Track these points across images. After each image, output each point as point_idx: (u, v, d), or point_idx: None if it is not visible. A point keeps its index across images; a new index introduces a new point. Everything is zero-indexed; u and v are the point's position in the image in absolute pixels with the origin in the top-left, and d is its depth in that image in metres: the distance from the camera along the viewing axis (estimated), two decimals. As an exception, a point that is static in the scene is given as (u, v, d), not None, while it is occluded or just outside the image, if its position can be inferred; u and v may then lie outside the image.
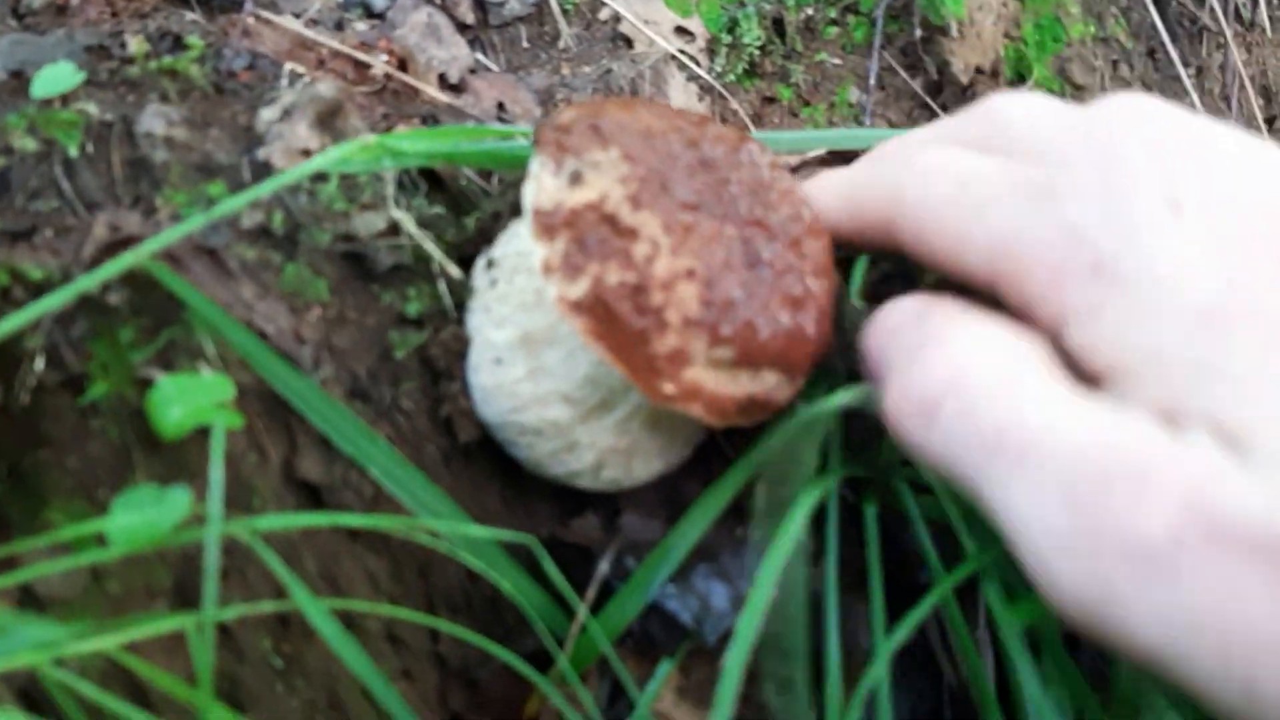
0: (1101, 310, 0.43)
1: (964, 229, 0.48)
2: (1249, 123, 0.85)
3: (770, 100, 0.79)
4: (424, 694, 0.50)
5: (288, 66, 0.63)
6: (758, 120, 0.78)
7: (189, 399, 0.41)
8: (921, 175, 0.50)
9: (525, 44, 0.77)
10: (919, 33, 0.79)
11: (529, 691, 0.50)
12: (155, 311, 0.46)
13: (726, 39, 0.78)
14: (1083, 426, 0.40)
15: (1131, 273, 0.43)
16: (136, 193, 0.52)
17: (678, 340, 0.45)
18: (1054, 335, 0.45)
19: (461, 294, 0.53)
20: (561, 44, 0.78)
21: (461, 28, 0.77)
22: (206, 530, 0.36)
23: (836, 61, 0.80)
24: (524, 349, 0.50)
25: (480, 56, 0.74)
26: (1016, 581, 0.50)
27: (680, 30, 0.79)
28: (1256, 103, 0.85)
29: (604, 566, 0.50)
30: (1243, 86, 0.84)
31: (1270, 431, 0.37)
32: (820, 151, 0.75)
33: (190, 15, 0.67)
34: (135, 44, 0.59)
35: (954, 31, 0.77)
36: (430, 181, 0.57)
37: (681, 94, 0.75)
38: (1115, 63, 0.81)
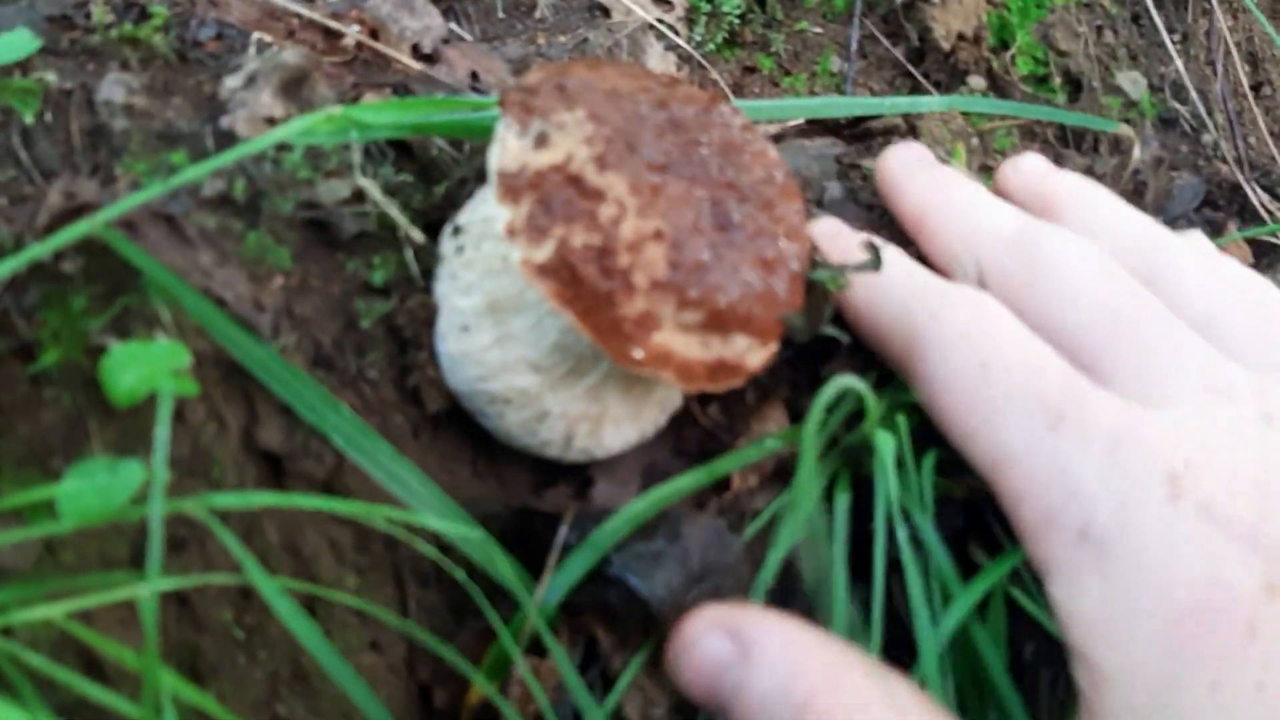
0: (1081, 579, 0.43)
1: (973, 423, 0.48)
2: (1235, 90, 0.83)
3: (750, 70, 0.78)
4: (392, 665, 0.49)
5: (255, 36, 0.62)
6: (738, 90, 0.77)
7: (142, 365, 0.40)
8: (945, 333, 0.50)
9: (500, 13, 0.76)
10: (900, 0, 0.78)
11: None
12: (110, 279, 0.45)
13: (705, 7, 0.77)
14: None
15: (1118, 553, 0.43)
16: (95, 161, 0.51)
17: (645, 303, 0.44)
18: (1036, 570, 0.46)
19: (428, 261, 0.52)
20: (538, 13, 0.76)
21: (435, -3, 0.76)
22: (150, 505, 0.35)
23: (817, 30, 0.79)
24: (491, 316, 0.49)
25: (454, 26, 0.73)
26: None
27: (658, -1, 0.78)
28: (1242, 69, 0.84)
29: (563, 532, 0.49)
30: (1228, 53, 0.83)
31: None
32: (800, 121, 0.74)
33: (156, -16, 0.66)
34: (97, 12, 0.58)
35: (936, -2, 0.76)
36: (399, 150, 0.56)
37: (660, 64, 0.74)
38: (1099, 28, 0.80)
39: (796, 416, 0.58)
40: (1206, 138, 0.80)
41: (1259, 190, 0.78)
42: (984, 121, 0.74)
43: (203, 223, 0.48)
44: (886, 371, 0.56)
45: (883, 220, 0.63)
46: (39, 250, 0.42)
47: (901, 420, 0.54)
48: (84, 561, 0.42)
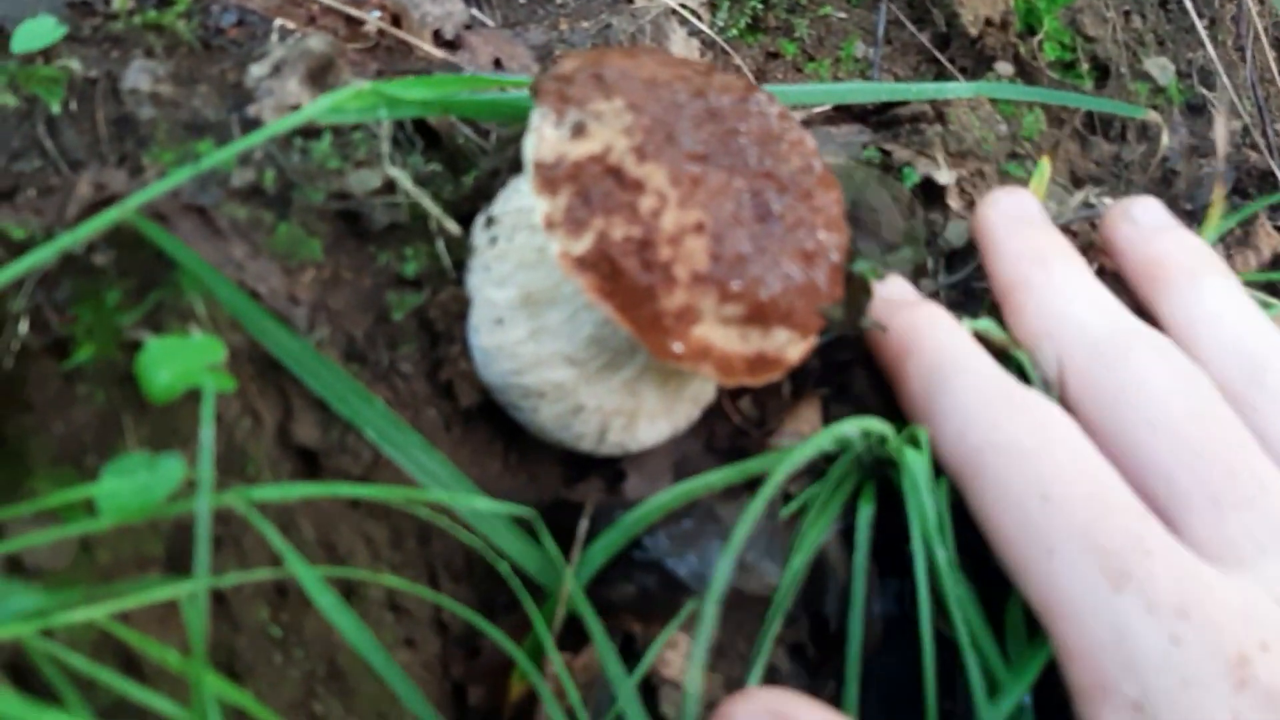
0: None
1: (1028, 557, 0.44)
2: (1263, 75, 0.83)
3: (774, 56, 0.77)
4: (426, 662, 0.48)
5: (277, 23, 0.61)
6: (761, 76, 0.76)
7: (178, 361, 0.40)
8: (1006, 450, 0.46)
9: (522, -1, 0.75)
10: (926, -16, 0.76)
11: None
12: (143, 273, 0.44)
13: (729, -8, 0.76)
14: None
15: None
16: (122, 151, 0.50)
17: (686, 297, 0.44)
18: None
19: (460, 253, 0.51)
20: (559, -1, 0.75)
21: (456, -18, 0.74)
22: (197, 500, 0.35)
23: (842, 15, 0.78)
24: (526, 309, 0.49)
25: (475, 12, 0.72)
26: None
27: (681, -16, 0.77)
28: (1270, 54, 0.83)
29: (584, 524, 0.48)
30: (1257, 38, 0.82)
31: None
32: (826, 107, 0.73)
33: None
34: (119, -1, 0.57)
35: (962, -17, 0.75)
36: (426, 138, 0.55)
37: (683, 49, 0.73)
38: (1127, 14, 0.79)
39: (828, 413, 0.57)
40: (1235, 124, 0.79)
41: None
42: (1012, 108, 0.73)
43: (234, 214, 0.48)
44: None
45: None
46: (69, 239, 0.42)
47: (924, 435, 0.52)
48: (120, 561, 0.41)
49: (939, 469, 0.50)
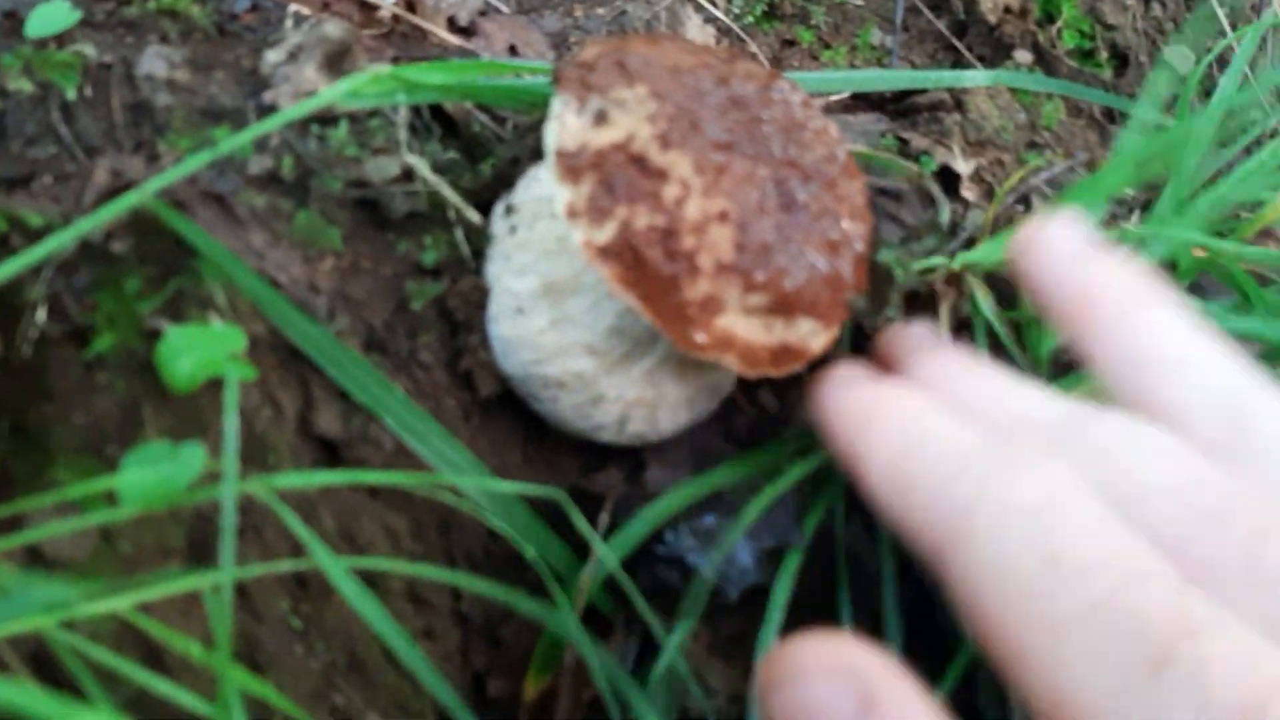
0: None
1: (1030, 643, 0.34)
2: (1284, 64, 0.82)
3: (790, 43, 0.76)
4: (446, 653, 0.48)
5: (292, 8, 0.61)
6: (777, 64, 0.76)
7: (199, 350, 0.39)
8: (999, 507, 0.36)
9: (536, -15, 0.74)
10: (944, -29, 0.76)
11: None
12: (162, 260, 0.44)
13: (745, -21, 0.76)
14: None
15: None
16: (138, 137, 0.50)
17: (710, 286, 0.43)
18: None
19: (480, 242, 0.51)
20: (574, -15, 0.75)
21: (471, -32, 0.74)
22: (222, 488, 0.34)
23: (859, 2, 0.77)
24: (546, 298, 0.48)
25: (490, -2, 0.72)
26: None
27: (697, -30, 0.76)
28: (1292, 44, 0.82)
29: (604, 518, 0.48)
30: (1277, 27, 0.82)
31: None
32: (844, 95, 0.72)
33: (189, -46, 0.65)
34: (133, -17, 0.57)
35: (980, -30, 0.74)
36: (443, 126, 0.55)
37: (698, 36, 0.73)
38: (1147, 1, 0.79)
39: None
40: (1256, 114, 0.78)
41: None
42: (1030, 97, 0.73)
43: (252, 202, 0.47)
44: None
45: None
46: (87, 224, 0.41)
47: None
48: (141, 551, 0.41)
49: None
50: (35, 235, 0.42)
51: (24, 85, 0.49)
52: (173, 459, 0.36)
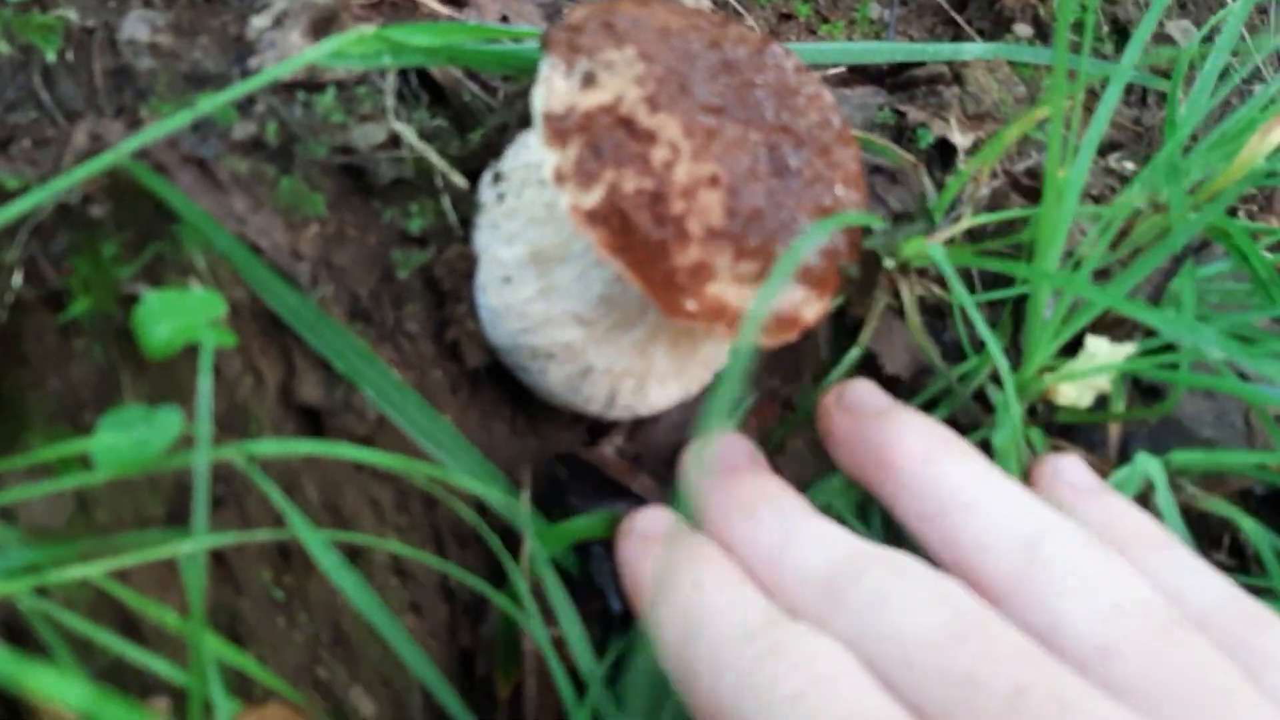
0: None
1: None
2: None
3: (787, 17, 0.75)
4: (433, 629, 0.47)
5: (280, -24, 0.60)
6: (773, 37, 0.75)
7: (177, 315, 0.38)
8: (767, 698, 0.38)
9: (530, -43, 0.73)
10: (944, -56, 0.75)
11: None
12: (141, 226, 0.43)
13: (741, -49, 0.75)
14: None
15: None
16: (120, 103, 0.49)
17: (700, 253, 0.42)
18: None
19: (467, 210, 0.50)
20: (568, -43, 0.74)
21: (463, -61, 0.73)
22: (196, 453, 0.33)
23: (857, -25, 0.76)
24: (534, 266, 0.47)
25: (483, -31, 0.70)
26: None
27: (692, -57, 0.75)
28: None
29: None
30: (1281, 1, 0.80)
31: None
32: (841, 69, 0.71)
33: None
34: (117, -51, 0.56)
35: (981, -58, 0.73)
36: (432, 94, 0.54)
37: (695, 7, 0.72)
38: (1150, -25, 0.77)
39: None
40: (1259, 88, 0.77)
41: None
42: (1030, 70, 0.72)
43: (235, 167, 0.46)
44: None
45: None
46: (62, 183, 0.40)
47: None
48: (119, 519, 0.40)
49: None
50: (11, 199, 0.41)
51: (4, 48, 0.48)
52: (149, 423, 0.36)
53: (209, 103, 0.40)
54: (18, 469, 0.37)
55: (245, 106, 0.49)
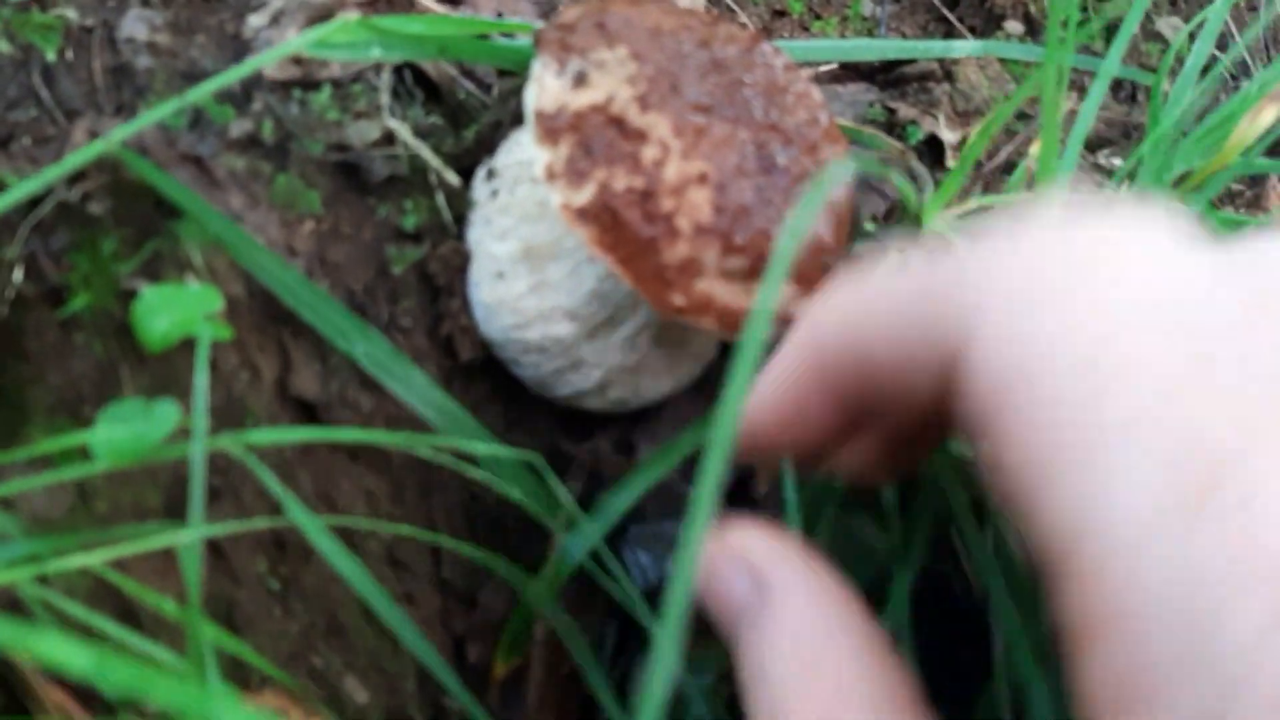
0: None
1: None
2: (1276, 36, 0.81)
3: (780, 14, 0.76)
4: (426, 618, 0.48)
5: (277, -26, 0.60)
6: (766, 34, 0.75)
7: (175, 310, 0.39)
8: None
9: (525, -46, 0.74)
10: (936, -58, 0.75)
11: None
12: (140, 222, 0.44)
13: (735, -51, 0.75)
14: None
15: None
16: (119, 100, 0.50)
17: (689, 249, 0.43)
18: None
19: (461, 206, 0.51)
20: (563, -45, 0.74)
21: (459, -63, 0.73)
22: (192, 443, 0.34)
23: (850, -27, 0.77)
24: (527, 262, 0.48)
25: (478, -33, 0.71)
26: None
27: (687, -59, 0.76)
28: (1286, 16, 0.82)
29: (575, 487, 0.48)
30: (1272, -1, 0.81)
31: None
32: (833, 65, 0.72)
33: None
34: (116, -52, 0.57)
35: (973, -60, 0.74)
36: (427, 92, 0.55)
37: (688, 5, 0.72)
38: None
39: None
40: (1248, 85, 0.78)
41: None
42: (1021, 67, 0.72)
43: (231, 165, 0.47)
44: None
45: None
46: (55, 173, 0.41)
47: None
48: (118, 511, 0.41)
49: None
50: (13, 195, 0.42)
51: (4, 47, 0.49)
52: (146, 415, 0.36)
53: (196, 93, 0.41)
54: (19, 461, 0.37)
55: (242, 105, 0.50)
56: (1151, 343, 0.28)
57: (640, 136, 0.43)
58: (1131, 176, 0.59)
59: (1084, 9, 0.76)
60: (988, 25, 0.75)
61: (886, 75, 0.71)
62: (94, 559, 0.35)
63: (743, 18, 0.75)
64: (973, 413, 0.30)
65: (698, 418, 0.56)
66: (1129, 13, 0.60)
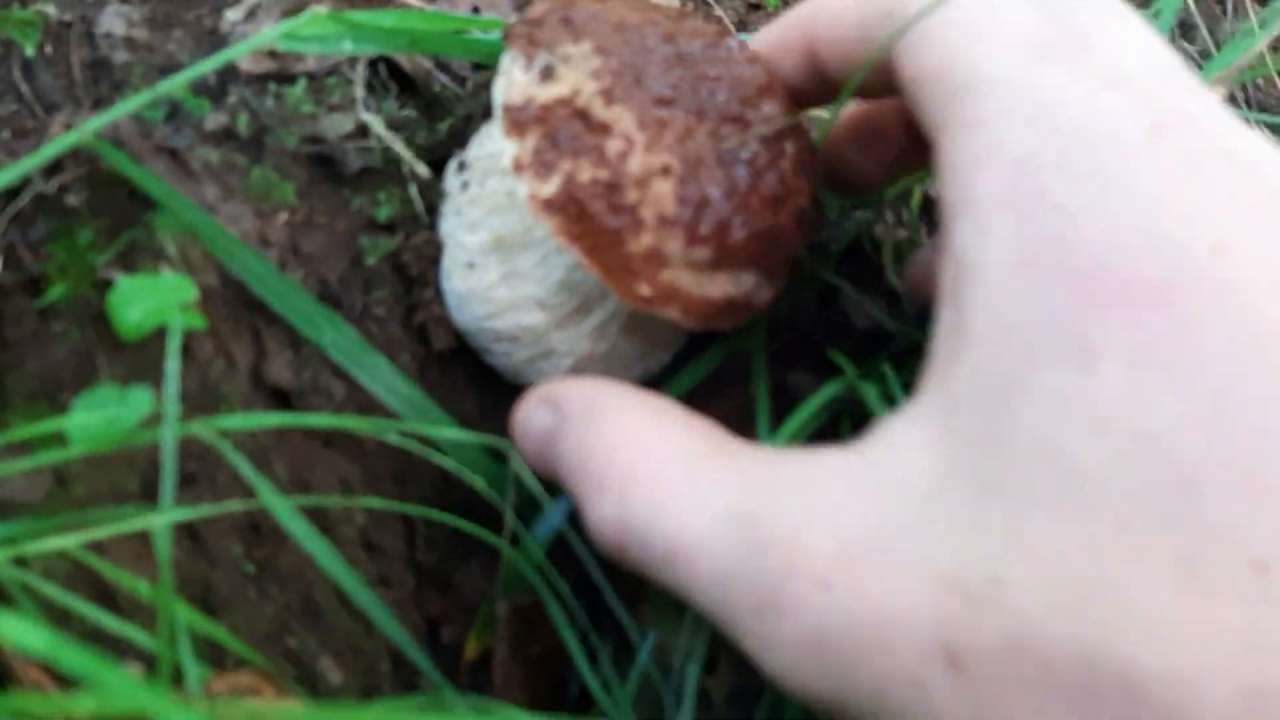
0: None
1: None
2: (1243, 28, 0.82)
3: (756, 7, 0.77)
4: (400, 601, 0.49)
5: (255, -31, 0.61)
6: (743, 28, 0.76)
7: (149, 299, 0.40)
8: None
9: (503, -51, 0.75)
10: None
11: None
12: (116, 213, 0.45)
13: (710, -56, 0.76)
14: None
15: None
16: (97, 95, 0.51)
17: (653, 239, 0.44)
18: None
19: (434, 198, 0.52)
20: (540, -51, 0.75)
21: (437, -68, 0.74)
22: (164, 429, 0.35)
23: (824, -33, 0.78)
24: (497, 253, 0.49)
25: (456, -39, 0.72)
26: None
27: (663, -65, 0.77)
28: (1252, 8, 0.83)
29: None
30: (1241, -8, 0.82)
31: None
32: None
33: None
34: (94, -56, 0.57)
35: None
36: (401, 85, 0.56)
37: (655, 2, 0.73)
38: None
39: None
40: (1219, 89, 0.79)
41: (1268, 133, 0.77)
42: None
43: (207, 157, 0.48)
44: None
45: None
46: (31, 162, 0.41)
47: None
48: (95, 496, 0.42)
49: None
50: (-9, 188, 0.43)
51: (-17, 43, 0.50)
52: (121, 401, 0.37)
53: (169, 84, 0.42)
54: (-3, 446, 0.38)
55: (218, 98, 0.51)
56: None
57: (605, 129, 0.44)
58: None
59: None
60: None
61: (859, 68, 0.71)
62: (69, 542, 0.36)
63: (718, 11, 0.76)
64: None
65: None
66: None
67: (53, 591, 0.36)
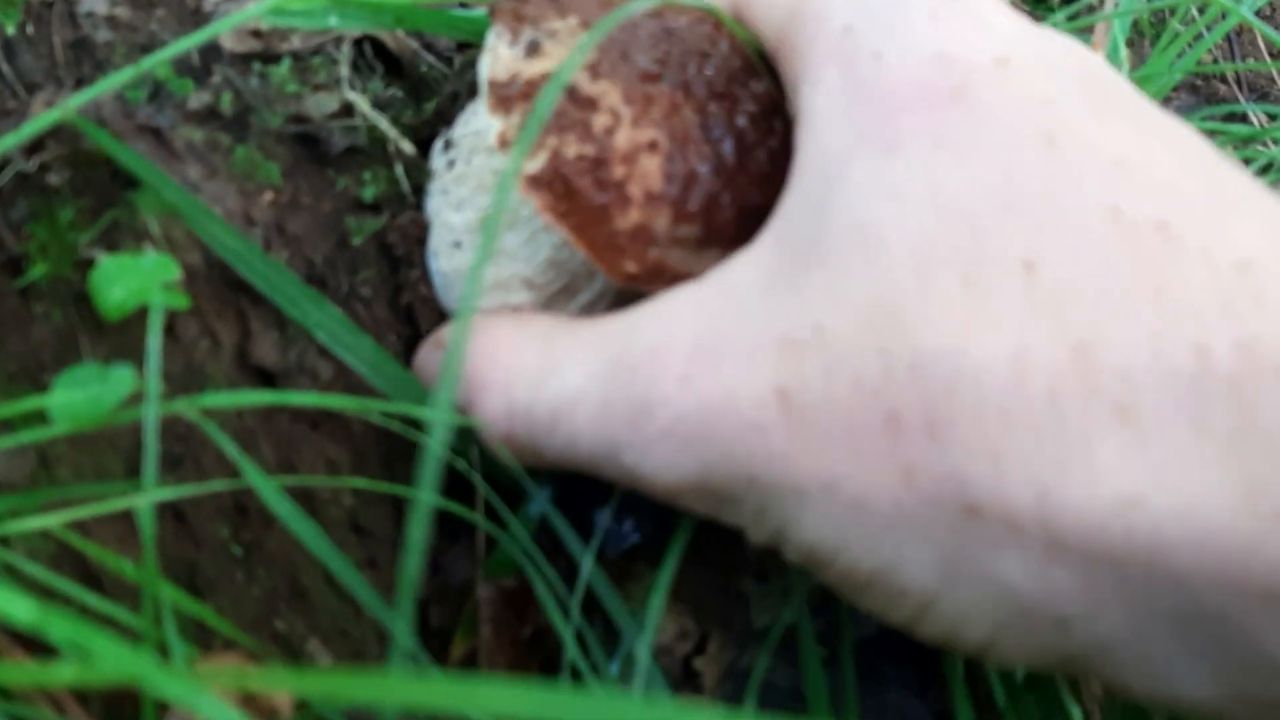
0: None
1: None
2: (1237, 9, 0.82)
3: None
4: (389, 583, 0.49)
5: (238, -51, 0.61)
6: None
7: (131, 279, 0.40)
8: None
9: (489, -70, 0.74)
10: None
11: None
12: (98, 193, 0.44)
13: (699, -76, 0.76)
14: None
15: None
16: (79, 74, 0.50)
17: (640, 216, 0.44)
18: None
19: (420, 178, 0.51)
20: (527, -70, 0.75)
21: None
22: (145, 407, 0.35)
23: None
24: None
25: (442, -58, 0.71)
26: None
27: (651, -85, 0.76)
28: (1245, -12, 0.83)
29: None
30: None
31: None
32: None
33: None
34: (75, -77, 0.57)
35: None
36: (387, 64, 0.55)
37: (652, -19, 0.73)
38: (1100, -55, 0.79)
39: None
40: (1206, 57, 0.79)
41: (1257, 111, 0.77)
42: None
43: (190, 136, 0.47)
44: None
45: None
46: (12, 141, 0.41)
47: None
48: (80, 477, 0.41)
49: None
50: (-29, 167, 0.43)
51: (-38, 22, 0.49)
52: (102, 380, 0.37)
53: (150, 61, 0.41)
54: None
55: (201, 77, 0.50)
56: None
57: (591, 104, 0.44)
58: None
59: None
60: None
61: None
62: (52, 521, 0.35)
63: (707, -8, 0.75)
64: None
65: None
66: None
67: (37, 571, 0.36)
